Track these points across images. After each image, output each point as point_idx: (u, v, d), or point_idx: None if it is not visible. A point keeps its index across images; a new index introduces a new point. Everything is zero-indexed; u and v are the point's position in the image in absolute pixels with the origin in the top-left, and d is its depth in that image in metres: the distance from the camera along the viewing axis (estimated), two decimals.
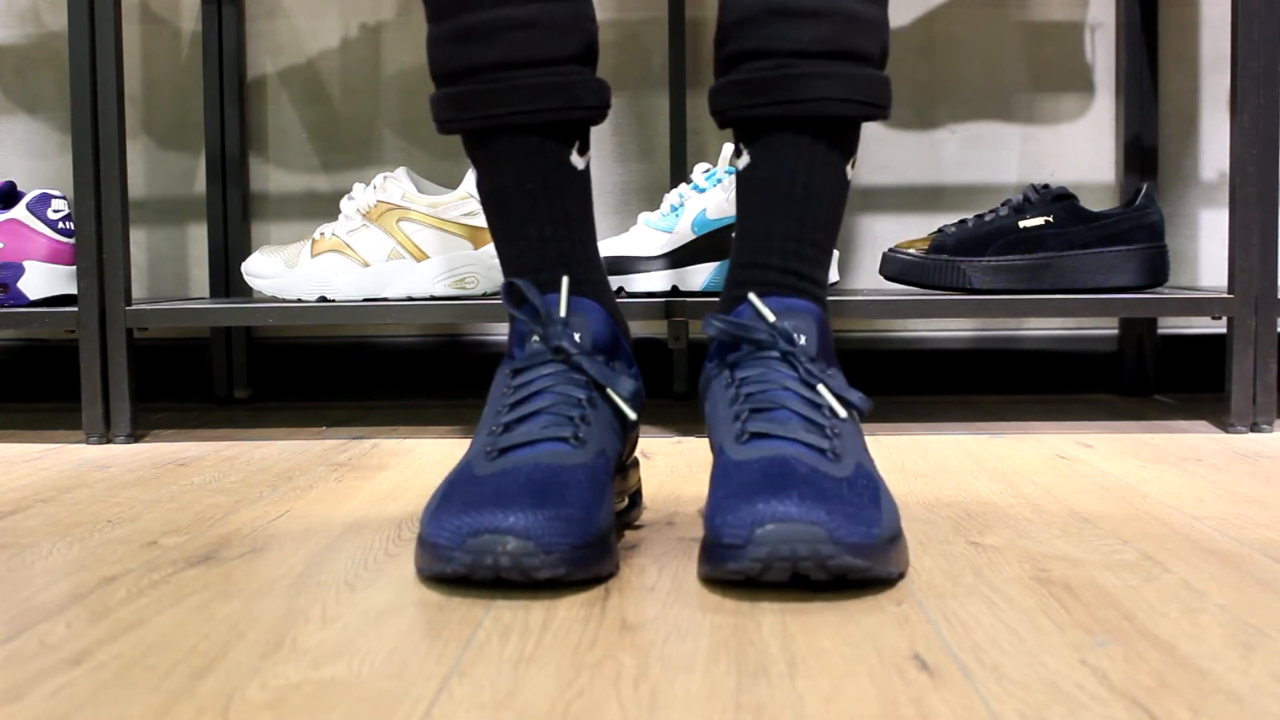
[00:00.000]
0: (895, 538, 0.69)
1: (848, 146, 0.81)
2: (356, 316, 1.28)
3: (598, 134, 1.63)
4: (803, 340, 0.77)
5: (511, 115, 0.79)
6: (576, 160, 0.82)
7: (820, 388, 0.75)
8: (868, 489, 0.70)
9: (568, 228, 0.82)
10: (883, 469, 1.06)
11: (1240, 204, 1.25)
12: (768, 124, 0.79)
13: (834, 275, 1.33)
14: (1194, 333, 1.62)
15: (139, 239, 1.66)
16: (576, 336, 0.78)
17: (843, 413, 0.74)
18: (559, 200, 0.82)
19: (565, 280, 0.80)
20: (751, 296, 0.78)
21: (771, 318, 0.77)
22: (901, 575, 0.70)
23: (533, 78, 0.79)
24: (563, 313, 0.79)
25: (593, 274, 0.84)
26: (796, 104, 0.78)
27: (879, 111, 0.80)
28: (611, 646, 0.59)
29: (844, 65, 0.78)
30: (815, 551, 0.63)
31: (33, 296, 1.36)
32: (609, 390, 0.78)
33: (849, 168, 0.81)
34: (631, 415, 0.79)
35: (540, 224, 0.82)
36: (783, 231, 0.80)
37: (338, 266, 1.33)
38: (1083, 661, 0.56)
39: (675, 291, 1.33)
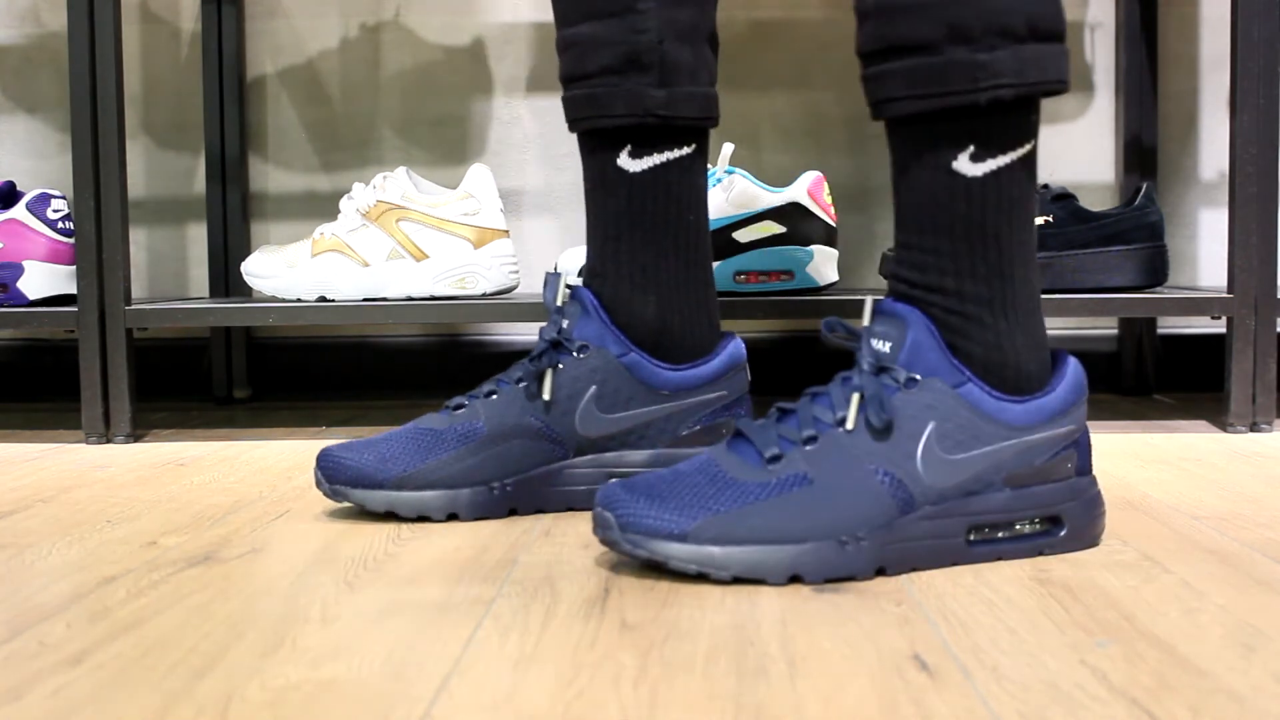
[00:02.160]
0: (750, 537, 0.70)
1: (939, 141, 0.74)
2: (356, 316, 1.28)
3: None
4: (886, 346, 0.74)
5: (570, 124, 0.93)
6: (627, 163, 0.90)
7: (855, 397, 0.74)
8: (762, 490, 0.71)
9: (604, 227, 0.92)
10: None
11: (1240, 204, 1.25)
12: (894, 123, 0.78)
13: (834, 275, 1.33)
14: (1194, 332, 1.62)
15: (139, 239, 1.66)
16: (564, 324, 0.89)
17: (851, 425, 0.73)
18: (605, 202, 0.92)
19: (562, 276, 0.90)
20: (868, 299, 0.78)
21: (866, 320, 0.77)
22: (736, 579, 0.70)
23: (573, 90, 0.92)
24: (559, 302, 0.90)
25: (621, 271, 0.90)
26: (874, 106, 0.77)
27: (947, 100, 0.73)
28: (611, 646, 0.59)
29: (894, 60, 0.74)
30: (606, 537, 0.72)
31: (32, 296, 1.36)
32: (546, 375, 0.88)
33: (958, 163, 0.74)
34: (544, 396, 0.88)
35: (590, 222, 0.93)
36: (898, 238, 0.78)
37: (338, 266, 1.33)
38: (1083, 661, 0.56)
39: None
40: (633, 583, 0.71)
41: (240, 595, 0.69)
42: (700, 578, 0.71)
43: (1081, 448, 0.77)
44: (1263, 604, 0.65)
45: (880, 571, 0.72)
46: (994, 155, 0.74)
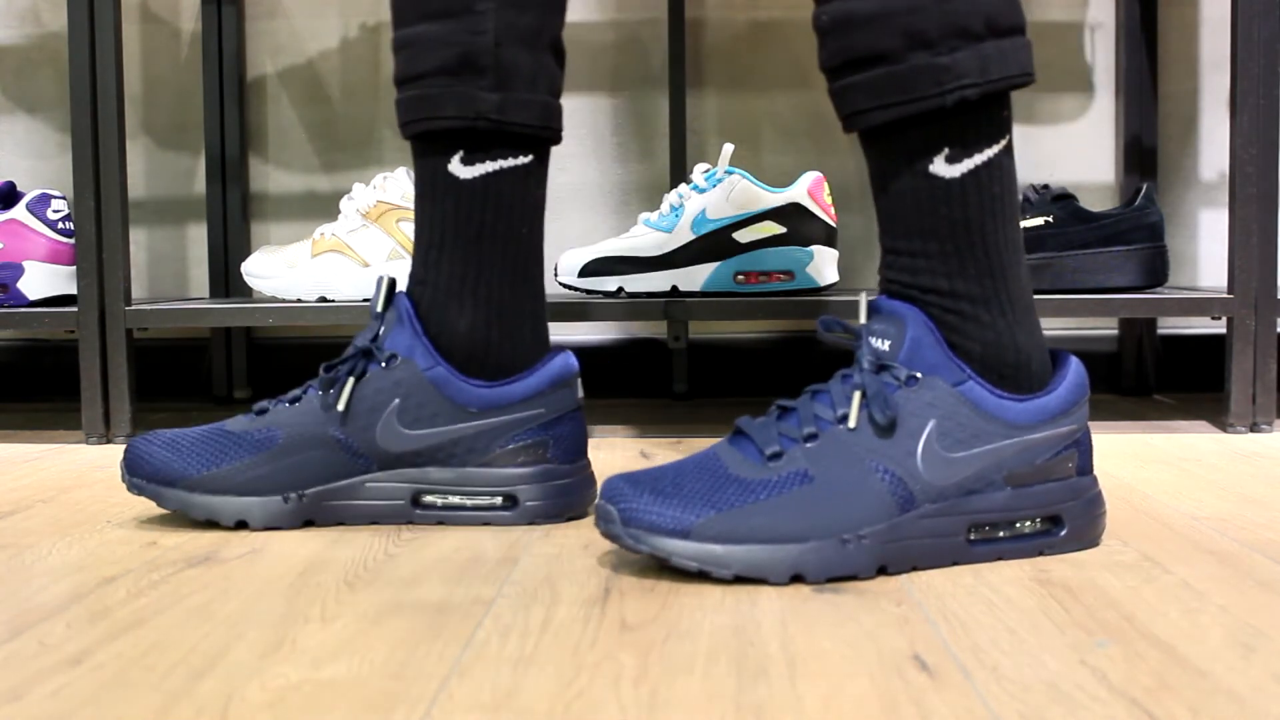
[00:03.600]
0: (751, 536, 0.70)
1: (913, 147, 0.75)
2: (356, 316, 1.28)
3: (597, 134, 1.63)
4: (885, 344, 0.74)
5: (402, 128, 0.89)
6: (458, 169, 0.86)
7: (856, 395, 0.74)
8: (763, 488, 0.71)
9: (429, 234, 0.88)
10: None
11: (1240, 204, 1.25)
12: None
13: (834, 276, 1.33)
14: (1194, 333, 1.62)
15: (139, 239, 1.66)
16: (380, 331, 0.87)
17: (853, 423, 0.73)
18: (433, 209, 0.88)
19: (385, 280, 0.88)
20: (863, 296, 0.78)
21: (863, 318, 0.77)
22: (738, 578, 0.70)
23: (406, 91, 0.88)
24: (379, 308, 0.88)
25: (440, 281, 0.87)
26: (845, 120, 0.77)
27: (914, 106, 0.73)
28: (611, 646, 0.59)
29: (857, 73, 0.75)
30: (608, 530, 0.72)
31: (33, 296, 1.36)
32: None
33: (934, 166, 0.74)
34: (339, 407, 0.85)
35: (416, 228, 0.89)
36: (884, 243, 0.78)
37: (338, 267, 1.33)
38: (1083, 662, 0.56)
39: (675, 291, 1.33)
40: (633, 583, 0.71)
41: (240, 595, 0.69)
42: (701, 577, 0.71)
43: (1083, 447, 0.77)
44: (1263, 604, 0.65)
45: (882, 570, 0.72)
46: (970, 155, 0.74)
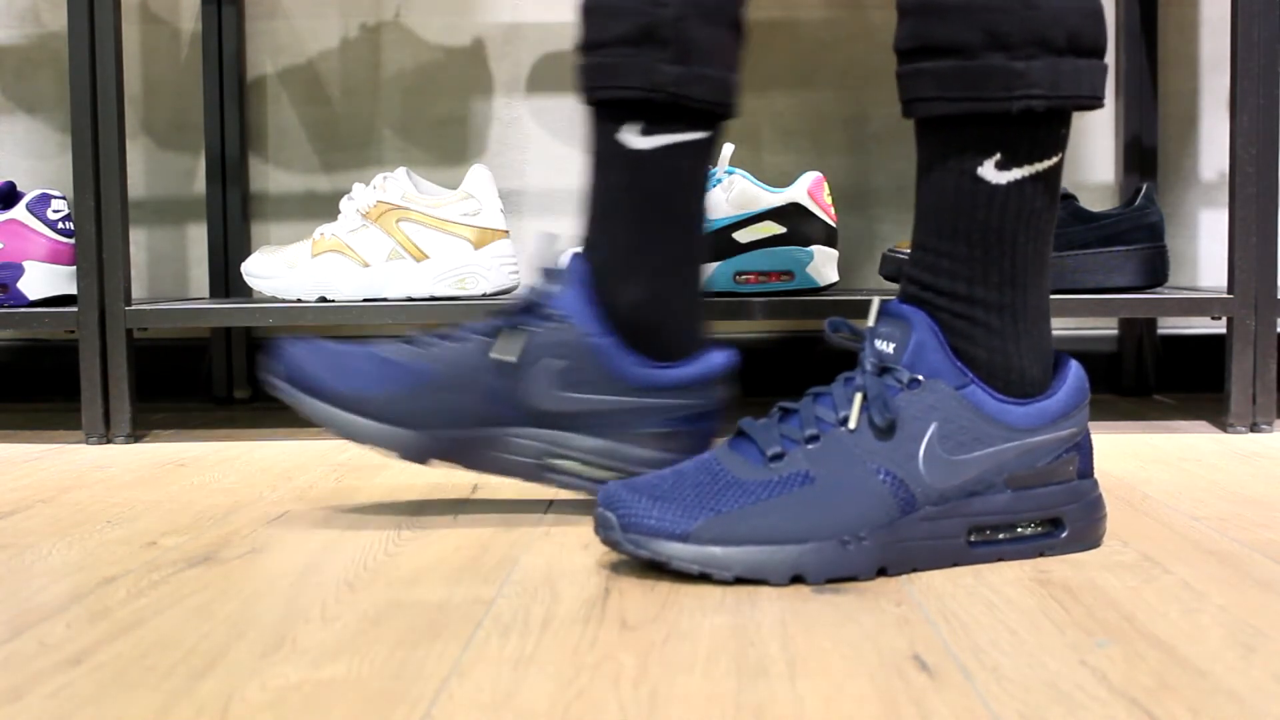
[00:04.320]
0: (750, 538, 0.70)
1: (966, 146, 0.74)
2: (356, 316, 1.28)
3: None
4: (889, 347, 0.74)
5: (581, 93, 0.89)
6: (635, 140, 0.86)
7: (858, 397, 0.74)
8: (763, 489, 0.71)
9: (602, 203, 0.88)
10: None
11: (1240, 204, 1.25)
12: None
13: (834, 276, 1.33)
14: (1194, 333, 1.62)
15: (139, 239, 1.66)
16: (549, 290, 0.86)
17: (854, 424, 0.73)
18: (606, 178, 0.88)
19: (557, 239, 0.89)
20: (875, 299, 0.78)
21: (871, 321, 0.76)
22: (738, 580, 0.70)
23: (587, 58, 0.87)
24: (548, 265, 0.88)
25: (615, 248, 0.87)
26: (906, 105, 0.77)
27: (979, 105, 0.73)
28: (611, 646, 0.59)
29: (929, 60, 0.74)
30: (608, 536, 0.72)
31: (33, 296, 1.36)
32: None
33: (983, 169, 0.74)
34: (508, 357, 0.85)
35: (590, 197, 0.90)
36: (914, 238, 0.78)
37: (338, 267, 1.33)
38: (1083, 662, 0.56)
39: None
40: (633, 583, 0.71)
41: (240, 595, 0.69)
42: (702, 578, 0.71)
43: (1083, 450, 0.78)
44: (1263, 604, 0.65)
45: (882, 572, 0.72)
46: (1020, 165, 0.74)
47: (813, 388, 0.77)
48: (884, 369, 0.74)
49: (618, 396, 0.86)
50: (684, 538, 0.70)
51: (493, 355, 0.85)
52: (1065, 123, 0.76)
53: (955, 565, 0.74)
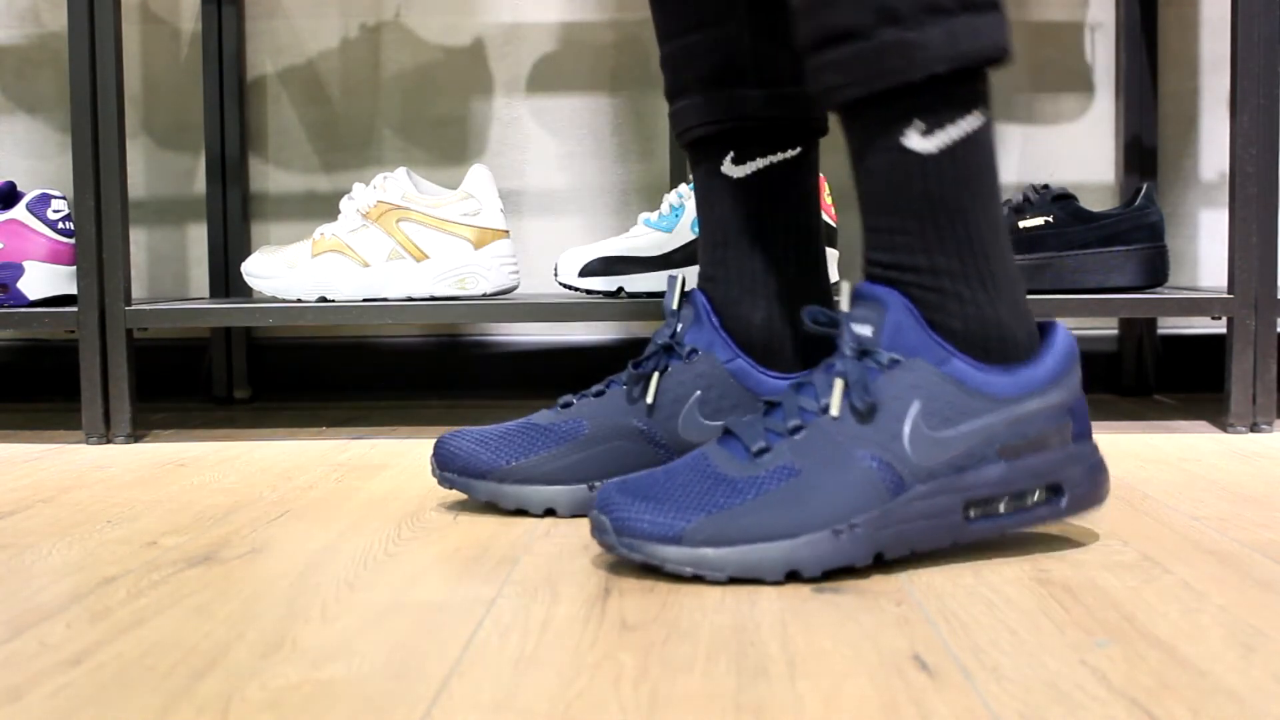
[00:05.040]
0: (740, 537, 0.70)
1: (886, 122, 0.74)
2: (356, 316, 1.28)
3: (597, 134, 1.63)
4: (867, 330, 0.74)
5: (677, 137, 0.94)
6: (730, 169, 0.90)
7: (838, 383, 0.73)
8: (750, 486, 0.71)
9: (712, 234, 0.92)
10: None
11: (1240, 204, 1.25)
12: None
13: (834, 275, 1.33)
14: (1194, 333, 1.62)
15: (139, 239, 1.66)
16: (678, 328, 0.90)
17: (836, 411, 0.73)
18: (711, 210, 0.92)
19: (679, 279, 0.91)
20: (844, 284, 0.77)
21: (845, 305, 0.76)
22: (732, 579, 0.70)
23: (676, 104, 0.93)
24: (674, 306, 0.91)
25: (730, 277, 0.90)
26: (819, 97, 0.77)
27: (883, 81, 0.72)
28: (611, 646, 0.59)
29: (830, 50, 0.74)
30: (603, 540, 0.72)
31: (33, 296, 1.36)
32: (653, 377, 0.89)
33: (908, 140, 0.73)
34: (647, 400, 0.88)
35: (700, 230, 0.94)
36: (864, 224, 0.78)
37: (338, 267, 1.33)
38: (1083, 662, 0.56)
39: None
40: (633, 583, 0.71)
41: (240, 595, 0.69)
42: (699, 579, 0.71)
43: (1077, 414, 0.77)
44: (1263, 604, 0.65)
45: (879, 558, 0.72)
46: (944, 129, 0.73)
47: (795, 377, 0.77)
48: (863, 352, 0.73)
49: None
50: (677, 540, 0.70)
51: (633, 401, 0.89)
52: (979, 79, 0.75)
53: (954, 543, 0.74)
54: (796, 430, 0.73)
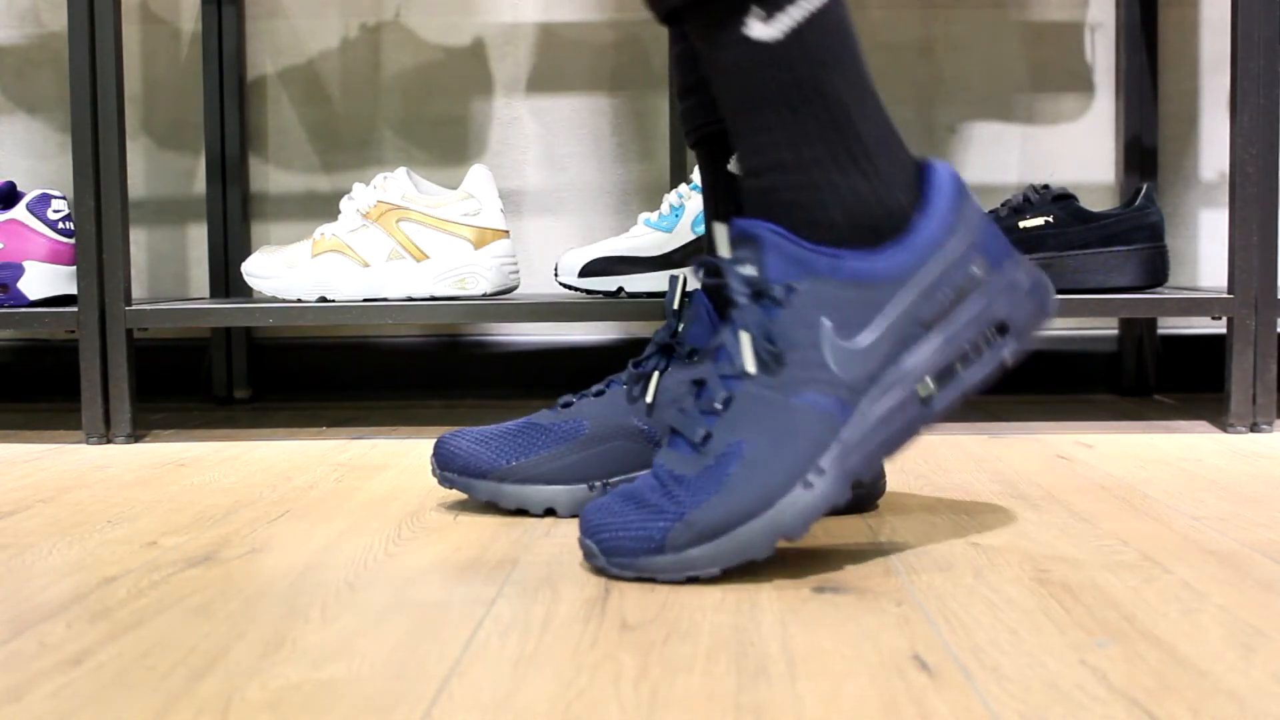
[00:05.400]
0: (718, 529, 0.69)
1: (721, 18, 0.71)
2: (356, 316, 1.28)
3: (597, 134, 1.63)
4: (752, 270, 0.71)
5: (686, 136, 0.89)
6: (737, 168, 0.81)
7: (744, 337, 0.71)
8: (708, 479, 0.70)
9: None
10: None
11: (1240, 204, 1.25)
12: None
13: None
14: (1194, 333, 1.62)
15: (139, 239, 1.66)
16: (679, 328, 0.87)
17: (752, 367, 0.71)
18: (715, 209, 0.86)
19: (681, 279, 0.88)
20: (716, 225, 0.74)
21: (726, 251, 0.73)
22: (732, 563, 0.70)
23: (686, 102, 0.87)
24: (675, 305, 0.88)
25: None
26: (662, 20, 0.75)
27: None
28: (611, 646, 0.59)
29: None
30: (595, 565, 0.72)
31: (33, 296, 1.36)
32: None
33: (749, 30, 0.70)
34: (646, 399, 0.87)
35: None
36: (732, 140, 0.74)
37: (338, 267, 1.33)
38: (1083, 662, 0.56)
39: None
40: (633, 584, 0.71)
41: (240, 595, 0.69)
42: (693, 581, 0.71)
43: (986, 245, 0.73)
44: (1263, 604, 0.65)
45: (858, 485, 0.70)
46: (784, 10, 0.70)
47: (711, 342, 0.75)
48: (757, 293, 0.71)
49: None
50: (660, 550, 0.69)
51: (633, 400, 0.88)
52: None
53: (924, 430, 0.72)
54: (728, 403, 0.71)
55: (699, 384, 0.75)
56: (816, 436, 0.70)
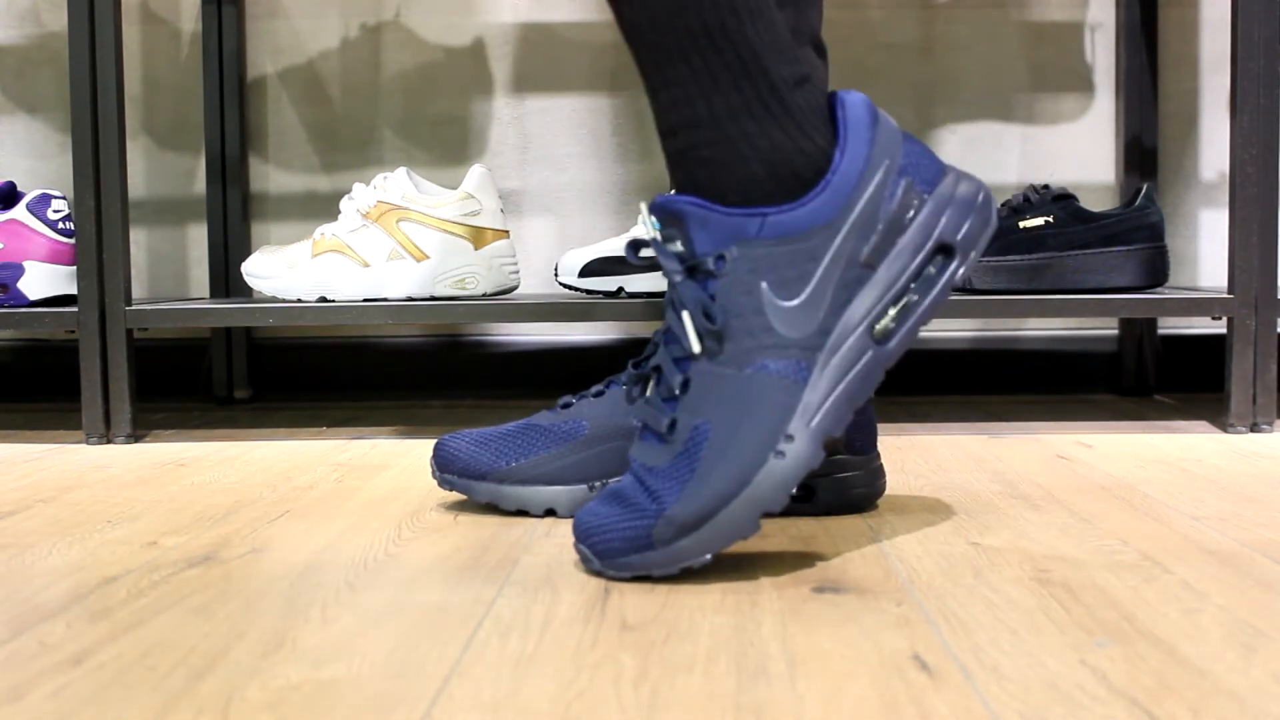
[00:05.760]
0: (701, 517, 0.68)
1: None
2: (356, 316, 1.28)
3: (597, 134, 1.63)
4: (679, 245, 0.70)
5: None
6: None
7: (686, 318, 0.70)
8: (681, 467, 0.69)
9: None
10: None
11: (1240, 204, 1.25)
12: None
13: None
14: (1194, 333, 1.62)
15: (139, 239, 1.66)
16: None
17: (696, 347, 0.70)
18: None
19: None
20: (641, 204, 0.73)
21: (653, 231, 0.71)
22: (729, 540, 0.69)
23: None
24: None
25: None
26: None
27: None
28: (611, 646, 0.59)
29: None
30: (592, 569, 0.72)
31: (33, 296, 1.36)
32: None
33: None
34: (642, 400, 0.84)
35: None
36: (650, 100, 0.73)
37: (338, 267, 1.33)
38: (1083, 662, 0.56)
39: None
40: (633, 584, 0.71)
41: (240, 595, 0.69)
42: (696, 574, 0.71)
43: (911, 170, 0.71)
44: (1263, 604, 0.65)
45: (833, 444, 0.69)
46: None
47: (659, 329, 0.73)
48: (690, 268, 0.70)
49: None
50: (650, 546, 0.69)
51: (632, 400, 0.88)
52: None
53: (886, 373, 0.71)
54: (685, 385, 0.71)
55: (657, 370, 0.74)
56: (779, 403, 0.68)
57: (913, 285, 0.71)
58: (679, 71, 0.70)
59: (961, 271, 0.71)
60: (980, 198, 0.73)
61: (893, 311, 0.71)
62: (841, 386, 0.69)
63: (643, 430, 0.74)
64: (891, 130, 0.72)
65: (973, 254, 0.72)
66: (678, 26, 0.70)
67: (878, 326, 0.70)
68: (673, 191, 0.74)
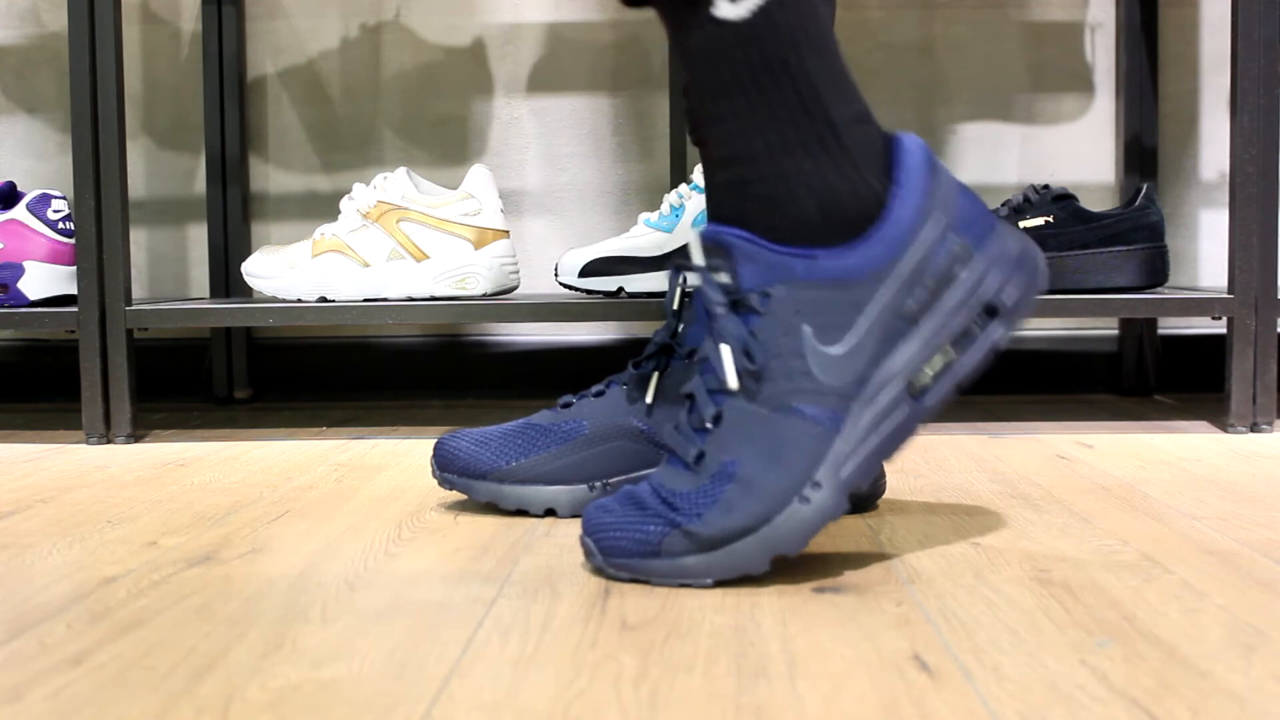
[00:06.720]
0: (716, 541, 0.68)
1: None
2: (356, 316, 1.28)
3: (597, 134, 1.63)
4: (726, 278, 0.69)
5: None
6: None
7: (725, 352, 0.69)
8: (705, 496, 0.69)
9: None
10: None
11: (1240, 204, 1.25)
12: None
13: None
14: (1194, 333, 1.62)
15: (139, 239, 1.66)
16: (679, 328, 0.86)
17: (734, 383, 0.69)
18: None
19: (678, 279, 0.83)
20: (692, 232, 0.74)
21: (700, 260, 0.70)
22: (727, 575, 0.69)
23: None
24: (675, 306, 0.87)
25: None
26: (629, 5, 0.74)
27: None
28: (611, 646, 0.59)
29: None
30: (593, 564, 0.72)
31: (33, 296, 1.36)
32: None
33: (716, 9, 0.68)
34: (646, 399, 0.87)
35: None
36: (700, 130, 0.72)
37: (338, 267, 1.33)
38: (1083, 662, 0.56)
39: None
40: (633, 584, 0.71)
41: (240, 595, 0.69)
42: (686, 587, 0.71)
43: (964, 224, 0.70)
44: (1263, 604, 0.65)
45: (856, 494, 0.69)
46: None
47: (697, 354, 0.72)
48: (735, 302, 0.70)
49: None
50: (656, 554, 0.69)
51: (632, 400, 0.88)
52: None
53: (920, 429, 0.70)
54: (718, 419, 0.70)
55: (689, 398, 0.74)
56: (809, 450, 0.68)
57: (954, 344, 0.70)
58: (737, 104, 0.70)
59: (1003, 335, 0.70)
60: (1030, 258, 0.72)
61: (931, 369, 0.70)
62: (873, 439, 0.69)
63: (670, 455, 0.74)
64: (948, 180, 0.71)
65: (1017, 317, 0.71)
66: (738, 59, 0.69)
67: (915, 381, 0.70)
68: (704, 217, 0.74)
